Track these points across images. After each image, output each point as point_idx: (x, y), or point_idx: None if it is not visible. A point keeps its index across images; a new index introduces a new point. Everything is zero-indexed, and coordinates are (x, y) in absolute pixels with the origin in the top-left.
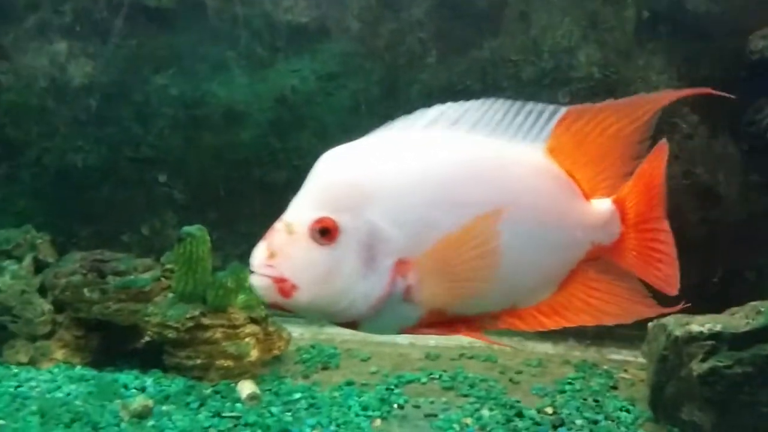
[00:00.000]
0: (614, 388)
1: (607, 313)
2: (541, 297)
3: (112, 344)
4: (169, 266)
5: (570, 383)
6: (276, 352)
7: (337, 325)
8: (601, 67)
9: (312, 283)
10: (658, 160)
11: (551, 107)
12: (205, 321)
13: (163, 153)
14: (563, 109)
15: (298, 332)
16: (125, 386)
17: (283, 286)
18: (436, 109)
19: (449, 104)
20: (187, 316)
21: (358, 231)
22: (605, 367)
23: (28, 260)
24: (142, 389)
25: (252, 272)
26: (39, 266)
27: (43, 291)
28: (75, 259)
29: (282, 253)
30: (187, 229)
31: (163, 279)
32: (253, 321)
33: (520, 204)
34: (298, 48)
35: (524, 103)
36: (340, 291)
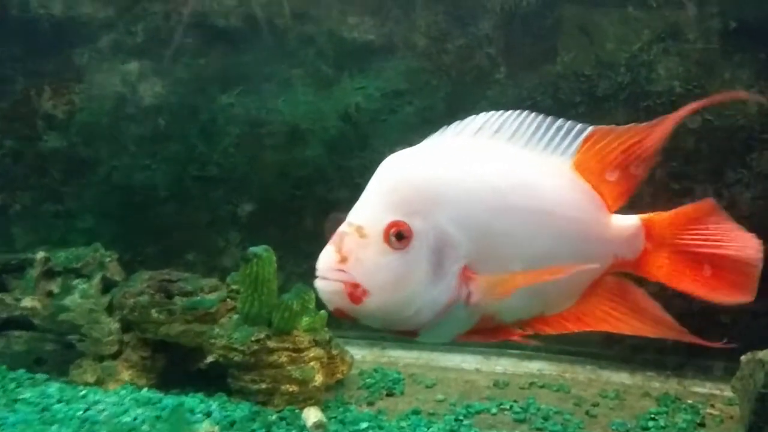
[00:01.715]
0: (701, 425)
1: (626, 325)
2: (567, 305)
3: (178, 365)
4: (234, 287)
5: (653, 419)
6: (339, 376)
7: (395, 334)
8: (682, 81)
9: (383, 289)
10: (704, 213)
11: (579, 125)
12: (271, 344)
13: (227, 171)
14: (590, 128)
15: (360, 355)
16: (191, 410)
17: (354, 291)
18: (481, 118)
19: (491, 113)
20: (253, 338)
21: (428, 236)
22: (689, 401)
23: (97, 279)
24: (208, 414)
25: (319, 277)
26: (107, 285)
27: (110, 310)
28: (143, 278)
29: (353, 257)
30: (253, 249)
31: (228, 300)
32: (317, 344)
33: (555, 214)
34: (363, 65)
35: (555, 118)
36: (410, 297)
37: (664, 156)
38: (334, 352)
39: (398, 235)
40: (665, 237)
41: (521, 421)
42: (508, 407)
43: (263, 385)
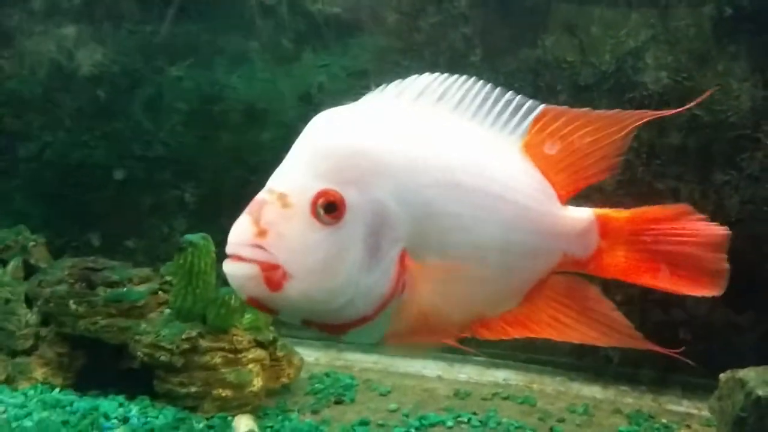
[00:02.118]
0: None
1: (576, 332)
2: (507, 306)
3: (99, 365)
4: (168, 278)
5: None
6: (284, 380)
7: (318, 329)
8: (671, 72)
9: (309, 273)
10: (673, 218)
11: (531, 102)
12: (203, 343)
13: (174, 152)
14: (541, 107)
15: (312, 357)
16: (106, 416)
17: (272, 274)
18: (423, 81)
19: (434, 76)
20: (183, 336)
21: (364, 211)
22: (663, 420)
23: (13, 264)
24: (125, 420)
25: (230, 256)
26: (30, 272)
27: (30, 301)
28: (64, 266)
29: (274, 231)
30: (188, 237)
31: (161, 293)
32: (259, 344)
33: (505, 199)
34: (327, 41)
35: (503, 90)
36: (341, 285)
37: (648, 152)
38: (280, 353)
39: (328, 207)
40: (621, 235)
41: None
42: (465, 420)
43: (192, 389)
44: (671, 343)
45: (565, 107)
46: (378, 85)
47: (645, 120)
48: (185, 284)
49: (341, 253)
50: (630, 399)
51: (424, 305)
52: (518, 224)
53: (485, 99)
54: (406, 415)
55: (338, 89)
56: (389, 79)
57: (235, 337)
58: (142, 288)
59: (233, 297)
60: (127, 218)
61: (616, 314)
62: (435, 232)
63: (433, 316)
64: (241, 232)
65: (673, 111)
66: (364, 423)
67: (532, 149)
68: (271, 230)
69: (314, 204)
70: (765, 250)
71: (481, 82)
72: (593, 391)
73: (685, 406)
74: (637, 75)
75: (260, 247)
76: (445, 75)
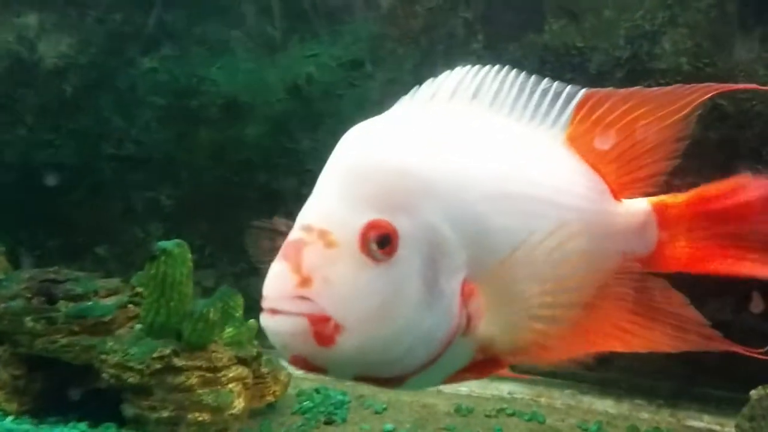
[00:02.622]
0: None
1: (643, 340)
2: (565, 321)
3: (60, 388)
4: (140, 290)
5: None
6: (270, 399)
7: (372, 383)
8: (691, 58)
9: (364, 322)
10: (734, 192)
11: (569, 88)
12: (178, 362)
13: (149, 151)
14: (582, 91)
15: (300, 371)
16: None
17: (322, 328)
18: (455, 78)
19: (466, 70)
20: (155, 355)
21: (418, 239)
22: None
23: None
24: None
25: (269, 310)
26: None
27: None
28: (21, 278)
29: (319, 277)
30: (162, 244)
31: (131, 306)
32: (242, 361)
33: (556, 204)
34: (316, 28)
35: (539, 78)
36: (400, 331)
37: None
38: (265, 370)
39: (382, 241)
40: (682, 222)
41: None
42: None
43: (165, 413)
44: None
45: (610, 89)
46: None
47: (711, 95)
48: (158, 296)
49: (398, 294)
50: (646, 414)
51: (487, 336)
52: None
53: (521, 90)
54: None
55: (329, 81)
56: (383, 69)
57: (214, 354)
58: (109, 301)
59: (212, 310)
60: (97, 223)
61: (690, 311)
62: (489, 253)
63: (494, 346)
64: (280, 282)
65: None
66: None
67: (576, 141)
68: (316, 276)
69: (364, 239)
70: None
71: (515, 71)
72: (606, 405)
73: (706, 422)
74: (654, 61)
75: (305, 297)
76: (477, 68)
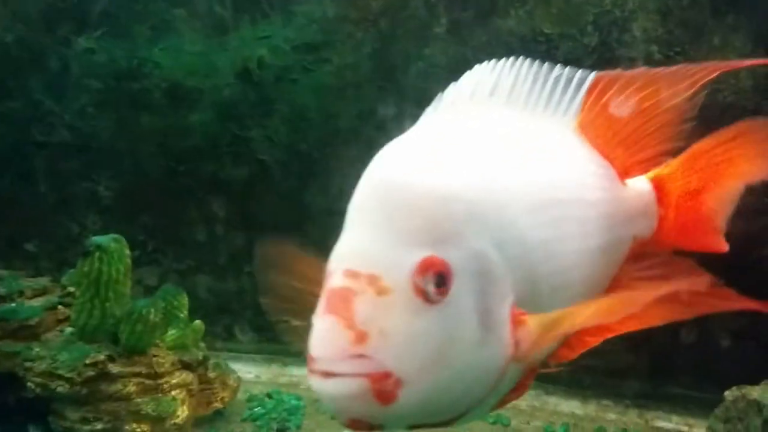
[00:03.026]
0: None
1: (657, 312)
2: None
3: None
4: (72, 289)
5: None
6: (217, 405)
7: (427, 428)
8: (663, 46)
9: (424, 371)
10: (732, 140)
11: (579, 73)
12: (114, 368)
13: (85, 137)
14: (592, 76)
15: (252, 374)
16: None
17: (384, 386)
18: (473, 77)
19: (482, 67)
20: (87, 361)
21: (469, 271)
22: None
23: None
24: None
25: (322, 373)
26: None
27: None
28: None
29: (376, 331)
30: (96, 239)
31: (61, 307)
32: (186, 366)
33: (581, 201)
34: (269, 9)
35: (550, 65)
36: (459, 373)
37: None
38: (212, 374)
39: (438, 281)
40: (674, 192)
41: None
42: None
43: (99, 425)
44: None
45: (618, 71)
46: None
47: (718, 73)
48: (91, 296)
49: (454, 335)
50: (613, 415)
51: (533, 357)
52: (595, 225)
53: (535, 80)
54: None
55: (282, 65)
56: (340, 53)
57: (155, 359)
58: (36, 302)
59: (153, 310)
60: (26, 217)
61: (701, 273)
62: (529, 271)
63: (537, 363)
64: (333, 341)
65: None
66: None
67: (587, 127)
68: (372, 330)
69: (417, 280)
70: (762, 244)
71: (528, 60)
72: (572, 406)
73: (674, 423)
74: (624, 49)
75: (363, 355)
76: (493, 63)
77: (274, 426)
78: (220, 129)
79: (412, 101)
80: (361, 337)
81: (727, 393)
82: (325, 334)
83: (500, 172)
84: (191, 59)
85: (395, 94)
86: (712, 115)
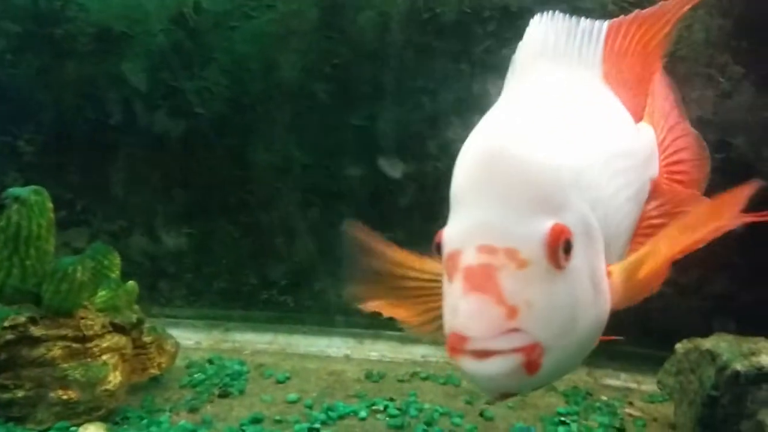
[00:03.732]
0: (621, 430)
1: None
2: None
3: None
4: None
5: (563, 422)
6: (154, 371)
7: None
8: None
9: (562, 336)
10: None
11: (596, 24)
12: (36, 331)
13: (2, 87)
14: (605, 26)
15: (192, 340)
16: None
17: (533, 357)
18: (532, 38)
19: (534, 27)
20: (6, 324)
21: (580, 234)
22: (603, 397)
23: None
24: None
25: (476, 353)
26: None
27: None
28: None
29: (523, 304)
30: (14, 191)
31: None
32: (118, 329)
33: (625, 153)
34: None
35: (571, 18)
36: (586, 332)
37: None
38: (147, 338)
39: (566, 247)
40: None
41: (397, 428)
42: (381, 408)
43: (20, 393)
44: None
45: (621, 18)
46: None
47: (686, 9)
48: (10, 254)
49: (579, 297)
50: None
51: (620, 305)
52: (633, 174)
53: (572, 36)
54: (310, 407)
55: (220, 10)
56: (285, 1)
57: (83, 321)
58: None
59: (80, 268)
60: None
61: (704, 200)
62: (605, 225)
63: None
64: (487, 319)
65: None
66: (256, 420)
67: (608, 76)
68: (520, 303)
69: (552, 248)
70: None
71: (561, 15)
72: None
73: (623, 380)
74: (578, 1)
75: (516, 329)
76: (543, 18)
77: (216, 391)
78: (154, 79)
79: (360, 51)
80: (512, 312)
81: (678, 346)
82: (476, 312)
83: (577, 135)
84: (121, 2)
85: (343, 44)
86: (667, 67)
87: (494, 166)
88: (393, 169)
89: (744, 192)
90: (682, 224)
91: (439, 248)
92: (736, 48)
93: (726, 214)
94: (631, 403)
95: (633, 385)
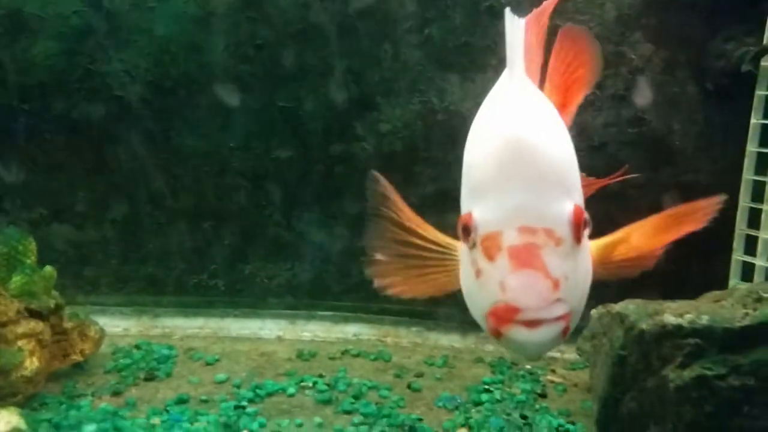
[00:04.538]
0: (542, 396)
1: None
2: None
3: None
4: None
5: (487, 390)
6: (77, 357)
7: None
8: None
9: (581, 302)
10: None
11: (518, 21)
12: None
13: None
14: (523, 23)
15: (120, 327)
16: None
17: (568, 323)
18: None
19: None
20: None
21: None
22: (527, 366)
23: None
24: None
25: (529, 322)
26: None
27: None
28: None
29: (562, 276)
30: None
31: None
32: (35, 314)
33: (571, 145)
34: None
35: (513, 17)
36: (585, 299)
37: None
38: (68, 324)
39: (585, 224)
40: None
41: (325, 403)
42: (310, 384)
43: None
44: None
45: (531, 14)
46: None
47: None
48: None
49: (588, 267)
50: (491, 346)
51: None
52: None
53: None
54: (238, 386)
55: None
56: None
57: None
58: None
59: None
60: None
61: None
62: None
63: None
64: (538, 292)
65: None
66: (181, 400)
67: (530, 72)
68: (560, 277)
69: (576, 226)
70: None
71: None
72: (452, 340)
73: None
74: None
75: (560, 300)
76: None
77: (141, 375)
78: (69, 62)
79: (284, 32)
80: (556, 285)
81: (593, 311)
82: (529, 286)
83: (558, 127)
84: None
85: (265, 24)
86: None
87: (521, 158)
88: (319, 149)
89: (715, 201)
90: (654, 223)
91: (467, 230)
92: (646, 26)
93: (695, 219)
94: (553, 371)
95: (556, 354)
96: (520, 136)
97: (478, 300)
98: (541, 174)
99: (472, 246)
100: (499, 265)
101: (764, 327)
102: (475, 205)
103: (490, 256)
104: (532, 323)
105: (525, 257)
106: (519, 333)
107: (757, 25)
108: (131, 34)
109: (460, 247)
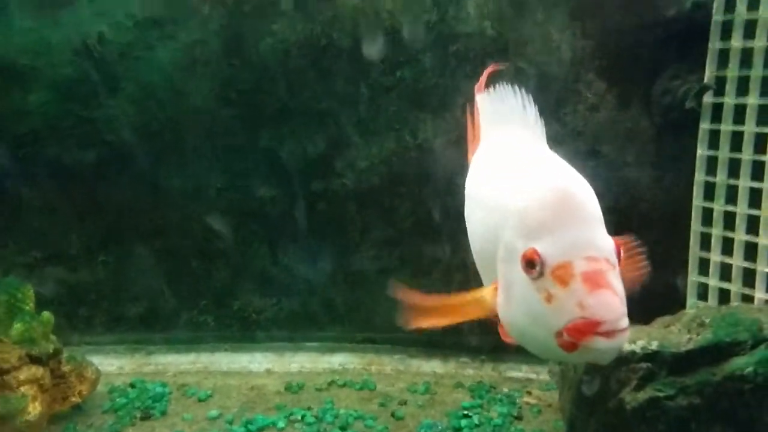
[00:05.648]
0: (518, 418)
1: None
2: None
3: None
4: None
5: (466, 416)
6: (75, 400)
7: None
8: (494, 21)
9: None
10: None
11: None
12: None
13: None
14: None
15: (114, 365)
16: None
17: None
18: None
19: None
20: None
21: None
22: (505, 389)
23: None
24: None
25: (609, 333)
26: None
27: None
28: None
29: (622, 293)
30: None
31: None
32: (35, 360)
33: None
34: None
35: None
36: None
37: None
38: (67, 368)
39: (620, 253)
40: None
41: None
42: (299, 417)
43: None
44: None
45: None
46: None
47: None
48: None
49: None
50: (471, 370)
51: None
52: None
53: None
54: (230, 422)
55: (124, 41)
56: (186, 29)
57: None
58: None
59: None
60: None
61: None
62: None
63: None
64: (615, 307)
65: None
66: None
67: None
68: (621, 294)
69: (618, 255)
70: None
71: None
72: (433, 366)
73: (524, 372)
74: (461, 25)
75: (625, 313)
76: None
77: (137, 414)
78: (61, 110)
79: (264, 77)
80: (622, 300)
81: None
82: (607, 303)
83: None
84: (23, 37)
85: (246, 70)
86: (541, 86)
87: (571, 202)
88: (301, 186)
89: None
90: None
91: (532, 264)
92: (599, 66)
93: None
94: (529, 393)
95: (533, 376)
96: (570, 186)
97: (549, 321)
98: (591, 214)
99: (538, 276)
100: (575, 289)
101: (705, 350)
102: (534, 243)
103: (563, 282)
104: (610, 333)
105: (598, 280)
106: (601, 343)
107: (698, 64)
108: (120, 82)
109: (498, 285)
